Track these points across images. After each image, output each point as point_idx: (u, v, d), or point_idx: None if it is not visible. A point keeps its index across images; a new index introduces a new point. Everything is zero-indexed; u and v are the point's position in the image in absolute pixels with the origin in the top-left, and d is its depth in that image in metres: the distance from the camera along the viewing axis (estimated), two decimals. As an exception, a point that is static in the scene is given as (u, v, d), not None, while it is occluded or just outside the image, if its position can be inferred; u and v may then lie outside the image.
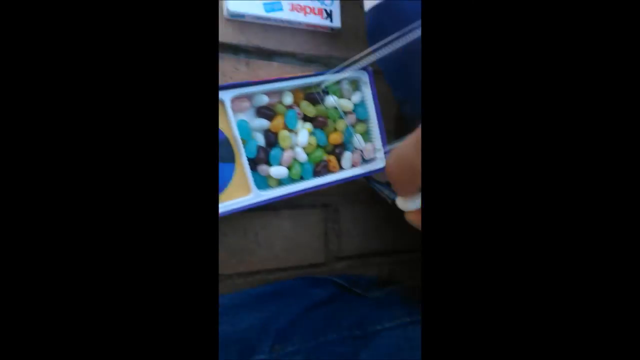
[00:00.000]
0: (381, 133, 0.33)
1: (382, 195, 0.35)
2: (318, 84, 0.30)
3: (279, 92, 0.30)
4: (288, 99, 0.30)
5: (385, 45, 0.23)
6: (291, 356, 0.30)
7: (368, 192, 0.40)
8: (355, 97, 0.32)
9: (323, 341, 0.30)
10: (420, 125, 0.12)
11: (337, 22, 0.34)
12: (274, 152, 0.30)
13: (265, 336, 0.31)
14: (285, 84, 0.29)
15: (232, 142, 0.28)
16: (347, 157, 0.33)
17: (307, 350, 0.30)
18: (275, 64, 0.34)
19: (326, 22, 0.34)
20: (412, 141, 0.12)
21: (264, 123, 0.29)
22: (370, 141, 0.33)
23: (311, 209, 0.38)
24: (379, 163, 0.33)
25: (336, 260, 0.40)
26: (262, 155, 0.30)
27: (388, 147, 0.32)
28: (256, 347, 0.31)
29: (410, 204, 0.16)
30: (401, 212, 0.21)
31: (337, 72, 0.29)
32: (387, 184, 0.36)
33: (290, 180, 0.32)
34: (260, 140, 0.30)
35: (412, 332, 0.30)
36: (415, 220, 0.16)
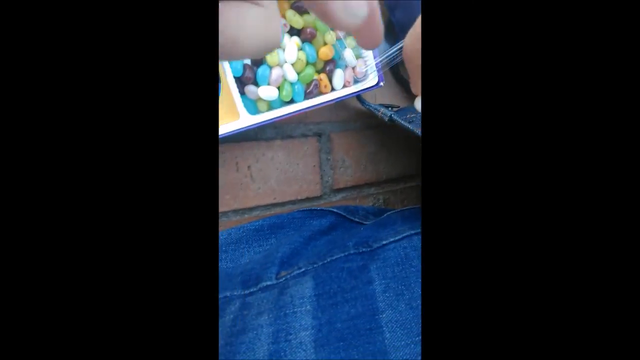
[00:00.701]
0: (372, 46, 0.31)
1: (378, 115, 0.34)
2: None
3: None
4: (272, 8, 0.27)
5: None
6: (299, 278, 0.29)
7: (359, 118, 0.39)
8: (343, 6, 0.30)
9: (330, 260, 0.30)
10: None
11: None
12: (261, 70, 0.28)
13: (269, 265, 0.31)
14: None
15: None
16: (338, 75, 0.31)
17: (315, 270, 0.29)
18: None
19: None
20: None
21: (248, 36, 0.27)
22: (361, 56, 0.32)
23: (304, 138, 0.37)
24: (372, 80, 0.32)
25: (332, 193, 0.40)
26: (248, 73, 0.28)
27: (379, 59, 0.31)
28: (261, 276, 0.30)
29: None
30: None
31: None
32: (381, 104, 0.35)
33: (280, 102, 0.30)
34: (246, 57, 0.28)
35: (417, 241, 0.30)
36: None
